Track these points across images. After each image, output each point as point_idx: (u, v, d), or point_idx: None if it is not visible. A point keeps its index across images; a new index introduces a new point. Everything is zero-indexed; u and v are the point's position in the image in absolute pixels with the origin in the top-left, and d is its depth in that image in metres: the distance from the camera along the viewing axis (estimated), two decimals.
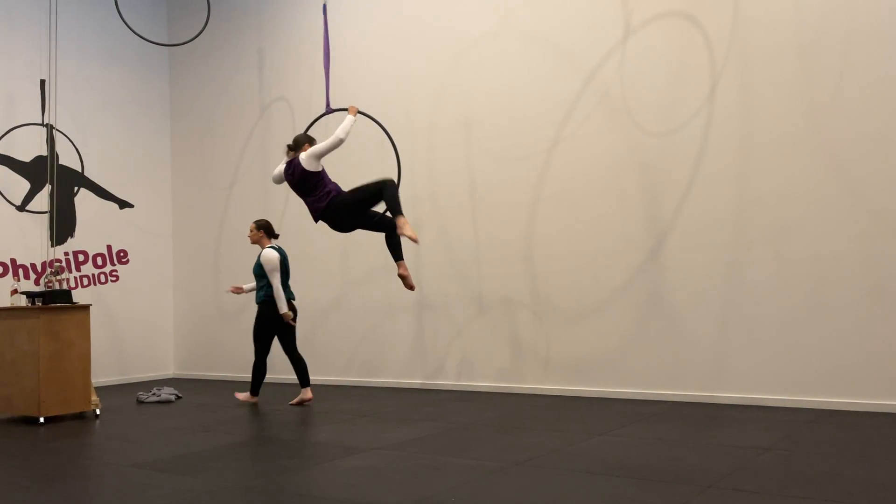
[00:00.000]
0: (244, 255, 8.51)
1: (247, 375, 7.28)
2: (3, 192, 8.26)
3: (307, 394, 6.89)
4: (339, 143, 5.72)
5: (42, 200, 8.61)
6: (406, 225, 5.35)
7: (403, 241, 5.61)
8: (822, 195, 5.70)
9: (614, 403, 6.24)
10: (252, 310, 7.35)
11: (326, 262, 8.46)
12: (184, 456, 4.82)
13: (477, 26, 7.48)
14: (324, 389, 7.86)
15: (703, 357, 6.16)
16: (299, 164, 5.81)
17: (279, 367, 7.82)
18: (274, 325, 6.86)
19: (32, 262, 8.52)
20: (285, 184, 6.18)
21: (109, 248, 9.31)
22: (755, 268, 5.96)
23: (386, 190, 5.54)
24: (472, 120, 7.47)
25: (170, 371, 9.90)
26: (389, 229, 5.69)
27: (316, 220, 5.94)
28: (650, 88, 6.49)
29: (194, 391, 8.22)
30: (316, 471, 4.30)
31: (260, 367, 7.05)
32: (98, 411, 6.66)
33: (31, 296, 6.64)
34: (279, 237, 7.33)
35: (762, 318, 5.91)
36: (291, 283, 7.13)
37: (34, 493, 4.02)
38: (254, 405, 7.00)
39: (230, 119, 9.49)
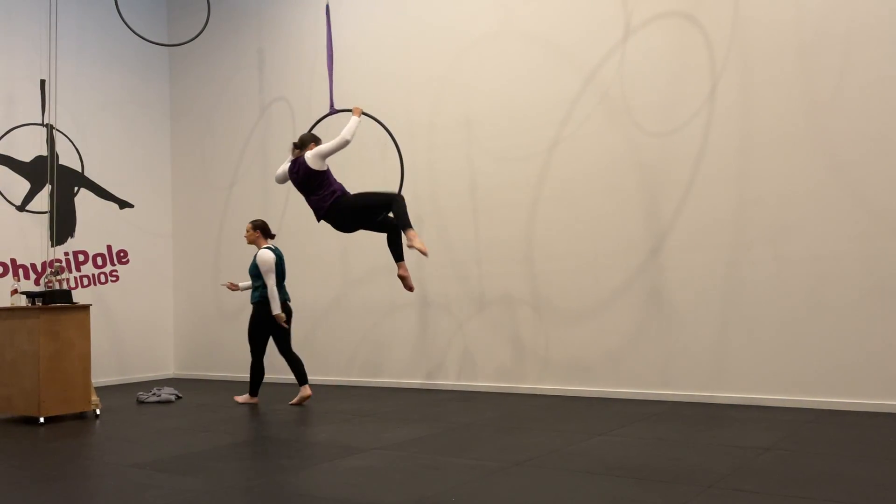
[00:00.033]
0: (244, 255, 8.50)
1: (247, 376, 7.28)
2: (3, 192, 8.26)
3: (306, 391, 6.90)
4: (346, 144, 5.75)
5: (42, 200, 8.61)
6: (416, 238, 5.38)
7: (413, 252, 5.61)
8: (822, 195, 5.70)
9: (614, 403, 6.24)
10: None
11: (326, 262, 8.46)
12: (184, 456, 4.82)
13: (477, 26, 7.48)
14: (324, 389, 7.86)
15: (703, 357, 6.16)
16: (304, 162, 5.82)
17: (278, 367, 7.82)
18: (268, 325, 6.86)
19: (32, 262, 8.52)
20: (286, 184, 6.18)
21: (109, 248, 9.31)
22: (755, 268, 5.96)
23: (395, 204, 5.57)
24: (473, 120, 7.47)
25: (170, 371, 9.90)
26: (391, 230, 5.71)
27: (319, 220, 5.95)
28: (650, 88, 6.49)
29: (194, 391, 8.22)
30: (316, 471, 4.30)
31: (257, 368, 7.05)
32: (98, 411, 6.66)
33: (31, 296, 6.64)
34: (276, 237, 7.33)
35: (762, 318, 5.91)
36: (290, 283, 7.14)
37: (34, 493, 4.02)
38: (254, 405, 7.00)
39: (230, 119, 9.49)
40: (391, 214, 5.66)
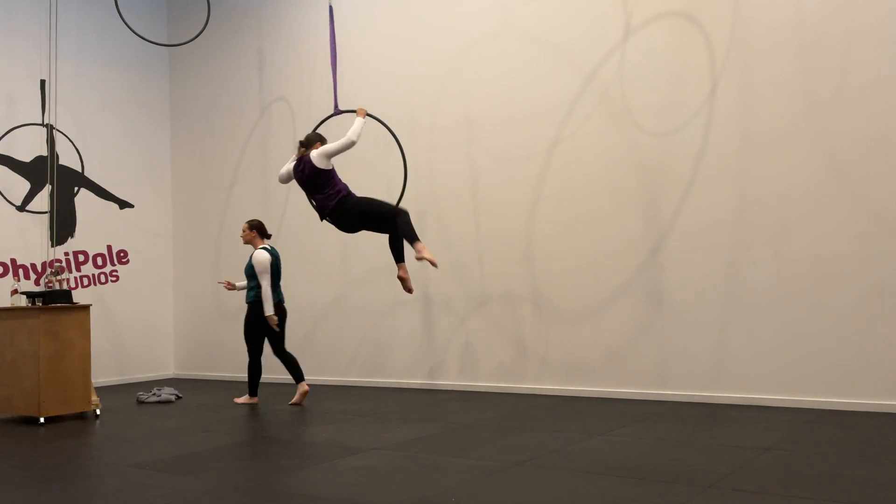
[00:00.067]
0: (244, 255, 8.48)
1: (247, 376, 7.28)
2: (3, 192, 8.26)
3: (304, 387, 6.91)
4: (351, 144, 5.83)
5: (42, 200, 8.61)
6: (424, 249, 5.49)
7: (420, 263, 5.66)
8: (822, 195, 5.70)
9: (614, 403, 6.24)
10: None
11: (326, 261, 8.46)
12: (184, 456, 4.82)
13: (477, 26, 7.48)
14: (324, 389, 7.86)
15: (703, 357, 6.16)
16: (310, 160, 5.87)
17: (278, 368, 7.79)
18: (264, 325, 6.87)
19: (32, 262, 8.52)
20: (286, 185, 6.19)
21: (109, 248, 9.31)
22: (755, 268, 5.96)
23: (400, 218, 5.64)
24: (473, 120, 7.47)
25: (170, 371, 9.91)
26: (393, 232, 5.74)
27: (322, 218, 6.00)
28: (650, 88, 6.49)
29: (194, 391, 8.22)
30: (316, 471, 4.30)
31: (255, 367, 7.06)
32: (98, 411, 6.66)
33: (31, 296, 6.64)
34: (272, 237, 7.33)
35: (762, 318, 5.91)
36: (291, 282, 7.14)
37: (34, 493, 4.02)
38: (253, 406, 7.00)
39: (230, 119, 9.49)
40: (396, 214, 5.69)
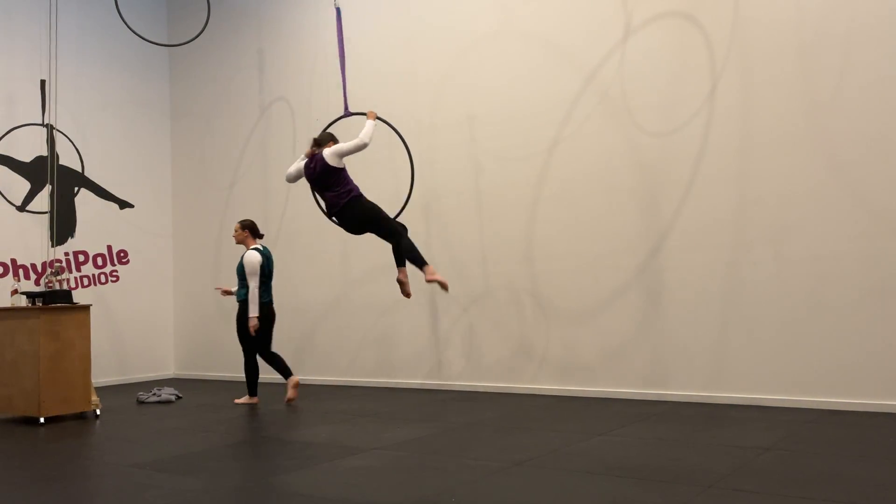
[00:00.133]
0: None
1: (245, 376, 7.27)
2: (3, 192, 8.26)
3: (293, 381, 6.96)
4: (364, 146, 5.94)
5: (42, 200, 8.61)
6: (435, 273, 5.73)
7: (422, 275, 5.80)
8: (822, 195, 5.70)
9: (614, 403, 6.24)
10: None
11: (327, 261, 8.46)
12: (184, 456, 4.82)
13: (477, 26, 7.48)
14: (324, 389, 7.86)
15: (703, 357, 6.16)
16: (322, 158, 5.96)
17: None
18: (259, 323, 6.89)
19: (33, 262, 8.52)
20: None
21: (109, 248, 9.31)
22: (755, 268, 5.96)
23: (403, 242, 5.84)
24: (473, 120, 7.47)
25: (170, 371, 9.90)
26: (396, 240, 5.86)
27: (330, 216, 6.12)
28: (650, 88, 6.49)
29: (194, 391, 8.22)
30: (316, 471, 4.30)
31: (251, 366, 7.07)
32: (98, 411, 6.66)
33: (31, 296, 6.64)
34: (265, 237, 7.34)
35: (762, 318, 5.91)
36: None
37: (34, 493, 4.02)
38: (253, 406, 7.00)
39: (230, 119, 9.49)
40: (400, 222, 5.82)
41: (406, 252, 5.83)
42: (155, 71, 10.00)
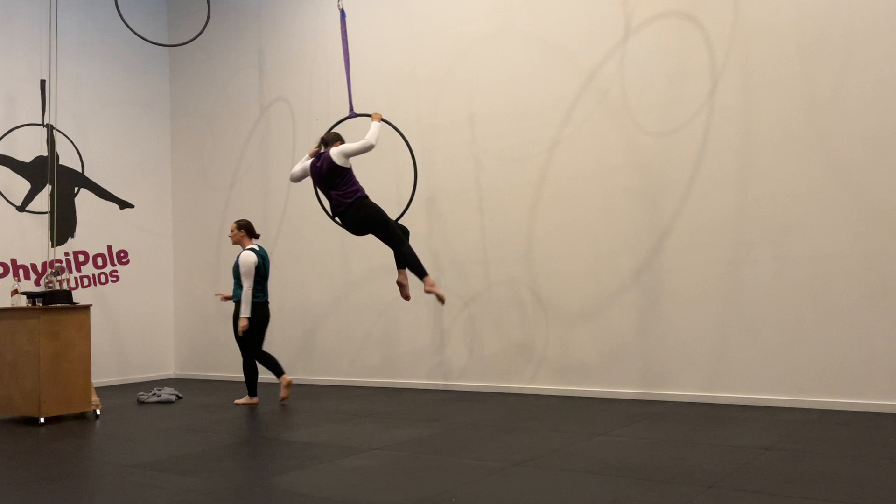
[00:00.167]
0: None
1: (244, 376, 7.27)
2: (3, 192, 8.26)
3: (285, 380, 6.98)
4: (370, 147, 5.97)
5: (42, 201, 8.62)
6: (434, 285, 5.80)
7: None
8: (822, 195, 5.70)
9: (614, 403, 6.24)
10: None
11: (327, 262, 8.46)
12: (184, 456, 4.82)
13: (478, 26, 7.48)
14: (325, 390, 7.86)
15: (703, 357, 6.16)
16: (329, 157, 5.99)
17: None
18: (251, 323, 6.88)
19: (33, 262, 8.52)
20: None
21: (110, 248, 9.31)
22: (755, 268, 5.96)
23: (405, 249, 5.88)
24: (473, 120, 7.47)
25: (170, 371, 9.91)
26: (398, 246, 5.89)
27: (334, 216, 6.15)
28: (650, 88, 6.49)
29: (194, 391, 8.22)
30: (316, 471, 4.30)
31: (250, 366, 7.07)
32: (98, 411, 6.66)
33: (31, 296, 6.64)
34: (260, 237, 7.35)
35: (762, 318, 5.91)
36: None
37: (34, 493, 4.02)
38: (253, 406, 7.00)
39: (230, 119, 9.49)
40: (402, 225, 5.86)
41: (406, 260, 5.85)
42: (155, 71, 10.01)
